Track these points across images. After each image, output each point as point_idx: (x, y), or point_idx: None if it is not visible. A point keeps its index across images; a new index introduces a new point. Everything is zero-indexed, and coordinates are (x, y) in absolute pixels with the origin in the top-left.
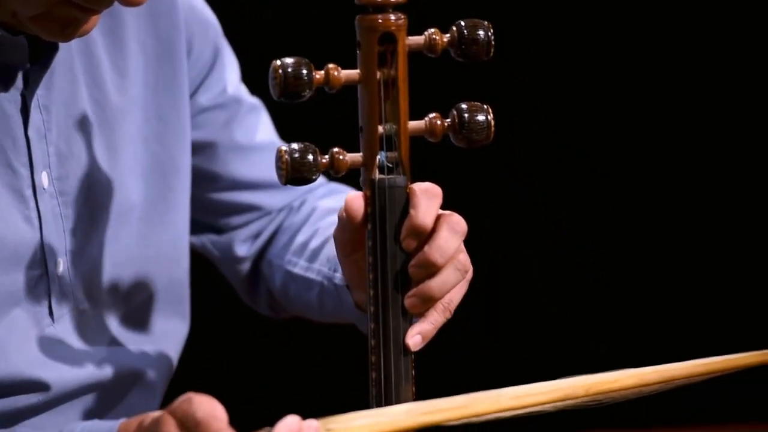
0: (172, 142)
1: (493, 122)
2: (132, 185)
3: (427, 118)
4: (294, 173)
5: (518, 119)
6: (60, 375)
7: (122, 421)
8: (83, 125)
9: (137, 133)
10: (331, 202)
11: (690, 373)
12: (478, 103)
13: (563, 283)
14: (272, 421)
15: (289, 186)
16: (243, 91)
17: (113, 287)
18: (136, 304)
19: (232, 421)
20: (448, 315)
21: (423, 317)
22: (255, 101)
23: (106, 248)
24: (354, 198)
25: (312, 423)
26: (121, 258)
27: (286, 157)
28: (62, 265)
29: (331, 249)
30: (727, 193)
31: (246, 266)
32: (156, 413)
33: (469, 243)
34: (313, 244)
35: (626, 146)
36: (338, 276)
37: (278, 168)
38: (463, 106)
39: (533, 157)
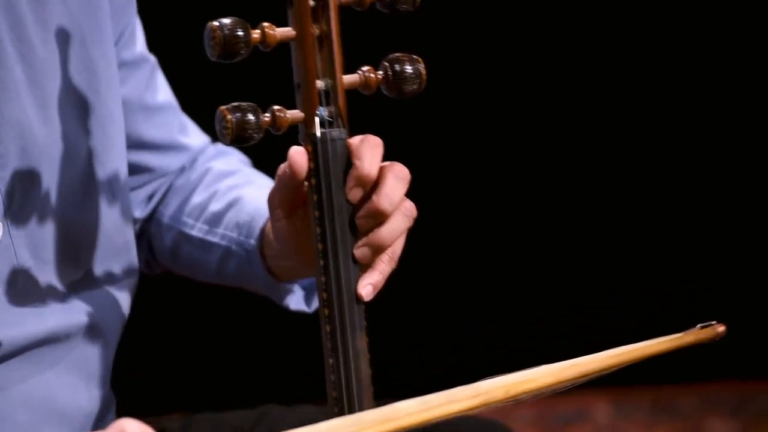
0: (105, 91)
1: (424, 72)
2: (69, 138)
3: (360, 72)
4: (239, 133)
5: (450, 69)
6: (9, 333)
7: None
8: (13, 85)
9: (69, 86)
10: (223, 164)
11: (606, 365)
12: (409, 55)
13: (500, 229)
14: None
15: (184, 146)
16: (146, 48)
17: (58, 242)
18: (82, 255)
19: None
20: (394, 265)
21: (371, 268)
22: (155, 59)
23: (47, 204)
24: (297, 153)
25: None
26: (63, 212)
27: (229, 117)
28: (1, 229)
29: (239, 214)
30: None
31: (137, 228)
32: None
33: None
34: (214, 207)
35: (556, 90)
36: (251, 243)
37: (222, 128)
38: (394, 57)
39: (466, 106)
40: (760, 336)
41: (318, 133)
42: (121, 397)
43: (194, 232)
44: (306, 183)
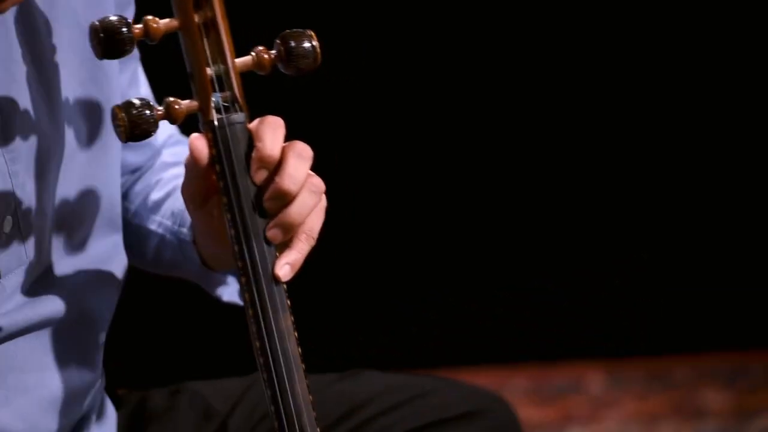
0: (105, 82)
1: (318, 47)
2: (73, 130)
3: (253, 53)
4: (133, 129)
5: (341, 43)
6: (9, 320)
7: None
8: (21, 76)
9: (73, 77)
10: (172, 152)
11: None
12: (302, 30)
13: (433, 208)
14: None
15: (152, 143)
16: None
17: (60, 234)
18: (82, 248)
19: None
20: (312, 242)
21: (289, 247)
22: (138, 53)
23: (52, 199)
24: (196, 139)
25: None
26: (66, 206)
27: (122, 114)
28: (10, 224)
29: (174, 202)
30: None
31: None
32: None
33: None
34: (155, 195)
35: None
36: (185, 231)
37: (116, 126)
38: (287, 34)
39: (366, 81)
40: (754, 307)
41: (215, 119)
42: (108, 369)
43: (134, 220)
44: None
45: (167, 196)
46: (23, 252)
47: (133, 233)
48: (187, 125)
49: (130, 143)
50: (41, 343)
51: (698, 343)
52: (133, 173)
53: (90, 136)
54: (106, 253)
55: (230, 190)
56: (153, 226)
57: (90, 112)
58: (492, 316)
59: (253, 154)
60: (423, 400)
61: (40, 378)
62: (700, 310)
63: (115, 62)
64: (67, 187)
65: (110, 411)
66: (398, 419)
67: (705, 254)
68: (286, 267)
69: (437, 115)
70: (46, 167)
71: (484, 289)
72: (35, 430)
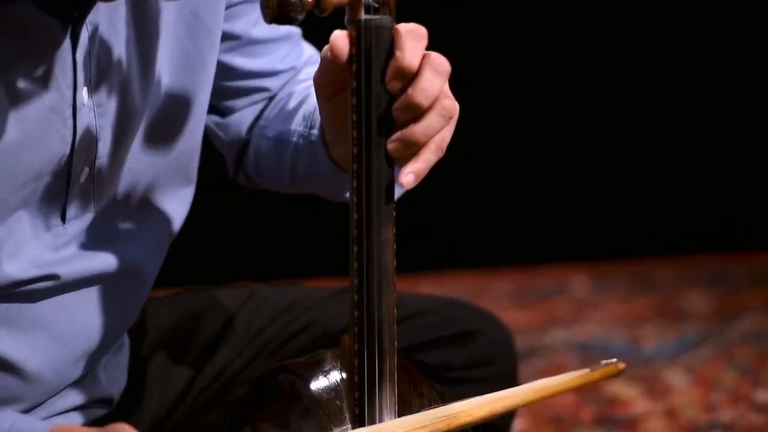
0: (203, 37)
1: None
2: (162, 84)
3: None
4: (280, 11)
5: None
6: (66, 269)
7: (55, 424)
8: (122, 31)
9: (170, 30)
10: (309, 70)
11: (530, 399)
12: None
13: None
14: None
15: (291, 68)
16: None
17: (129, 188)
18: (149, 202)
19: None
20: (440, 154)
21: (415, 157)
22: None
23: (131, 153)
24: (339, 37)
25: None
26: (142, 160)
27: None
28: (86, 174)
29: (306, 108)
30: None
31: (239, 144)
32: None
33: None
34: (289, 106)
35: None
36: (314, 133)
37: (263, 8)
38: None
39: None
40: (736, 210)
41: (363, 18)
42: None
43: (270, 133)
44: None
45: (300, 104)
46: (92, 203)
47: (271, 152)
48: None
49: (276, 72)
50: (91, 298)
51: (681, 246)
52: (273, 96)
53: (178, 90)
54: (172, 209)
55: (362, 92)
56: (287, 136)
57: (181, 66)
58: (475, 219)
59: (392, 62)
60: (422, 318)
61: (83, 331)
62: (683, 214)
63: (220, 17)
64: (146, 146)
65: (125, 341)
66: (400, 335)
67: (687, 158)
68: (410, 176)
69: None
70: (129, 126)
71: (467, 193)
72: (63, 377)
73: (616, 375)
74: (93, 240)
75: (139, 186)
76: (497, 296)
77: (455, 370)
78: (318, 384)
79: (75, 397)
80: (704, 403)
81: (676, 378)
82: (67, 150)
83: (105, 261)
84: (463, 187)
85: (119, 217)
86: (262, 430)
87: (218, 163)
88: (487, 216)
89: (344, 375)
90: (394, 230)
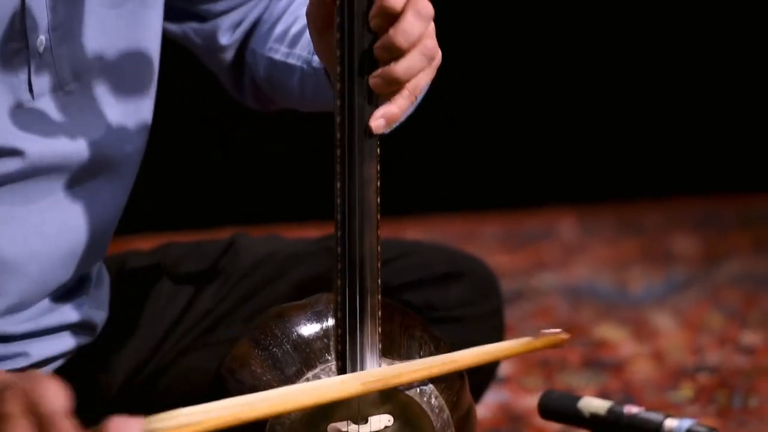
0: None
1: None
2: None
3: None
4: None
5: None
6: (37, 146)
7: None
8: None
9: None
10: None
11: (470, 363)
12: None
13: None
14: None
15: None
16: None
17: (98, 69)
18: (118, 89)
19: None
20: (413, 100)
21: (389, 101)
22: None
23: (89, 29)
24: None
25: (135, 422)
26: (103, 39)
27: None
28: (44, 43)
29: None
30: None
31: (229, 55)
32: (10, 380)
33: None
34: (294, 29)
35: None
36: (316, 59)
37: None
38: None
39: None
40: (724, 152)
41: None
42: None
43: (278, 57)
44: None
45: (305, 28)
46: (56, 77)
47: (281, 72)
48: None
49: None
50: (62, 191)
51: (669, 189)
52: (251, 1)
53: None
54: (136, 104)
55: (345, 29)
56: (293, 60)
57: None
58: (463, 162)
59: (376, 1)
60: (406, 259)
61: (61, 226)
62: (671, 156)
63: None
64: (106, 22)
65: (105, 276)
66: (384, 275)
67: (675, 100)
68: (380, 120)
69: None
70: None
71: (454, 136)
72: (45, 276)
73: (560, 345)
74: (61, 123)
75: (102, 74)
76: (485, 240)
77: (437, 310)
78: (308, 324)
79: (61, 314)
80: (691, 345)
81: (664, 320)
82: (18, 5)
83: (73, 146)
84: (450, 131)
85: (87, 104)
86: (253, 366)
87: (203, 108)
88: (475, 160)
89: (333, 315)
90: (378, 168)
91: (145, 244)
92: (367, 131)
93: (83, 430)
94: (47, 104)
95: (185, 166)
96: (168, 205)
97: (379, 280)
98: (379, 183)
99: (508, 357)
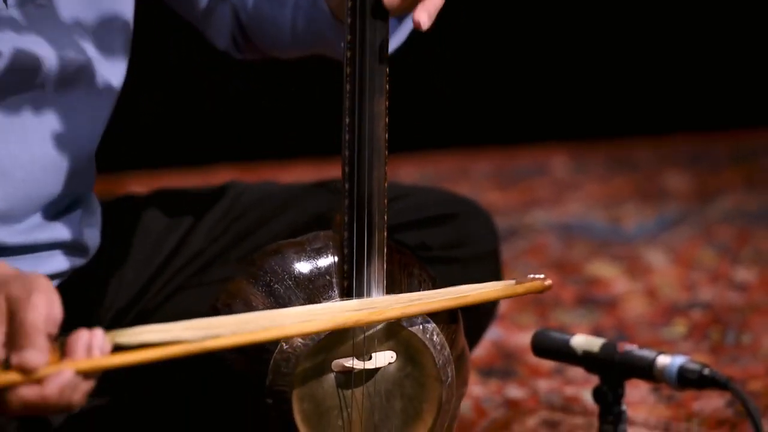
0: None
1: None
2: None
3: None
4: None
5: None
6: (9, 47)
7: None
8: None
9: None
10: None
11: (449, 305)
12: None
13: None
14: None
15: None
16: None
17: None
18: (89, 6)
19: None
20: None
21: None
22: None
23: None
24: None
25: (99, 333)
26: None
27: None
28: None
29: None
30: None
31: (203, 1)
32: (4, 278)
33: None
34: None
35: None
36: None
37: None
38: None
39: None
40: (716, 88)
41: None
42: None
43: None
44: None
45: None
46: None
47: (270, 8)
48: None
49: None
50: (41, 98)
51: (661, 125)
52: None
53: None
54: (110, 19)
55: None
56: None
57: None
58: (455, 99)
59: None
60: (401, 201)
61: (42, 135)
62: (663, 92)
63: None
64: None
65: (96, 204)
66: None
67: (667, 37)
68: (423, 14)
69: None
70: None
71: (446, 73)
72: (30, 183)
73: (541, 291)
74: (33, 31)
75: None
76: (477, 177)
77: (432, 249)
78: (309, 260)
79: (53, 231)
80: (684, 282)
81: (656, 257)
82: None
83: (45, 53)
84: (442, 68)
85: (57, 17)
86: (252, 301)
87: (201, 47)
88: (467, 96)
89: (335, 253)
90: (387, 103)
91: (139, 183)
92: (380, 62)
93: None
94: (19, 14)
95: (180, 102)
96: (163, 141)
97: (386, 217)
98: (387, 119)
99: (488, 300)
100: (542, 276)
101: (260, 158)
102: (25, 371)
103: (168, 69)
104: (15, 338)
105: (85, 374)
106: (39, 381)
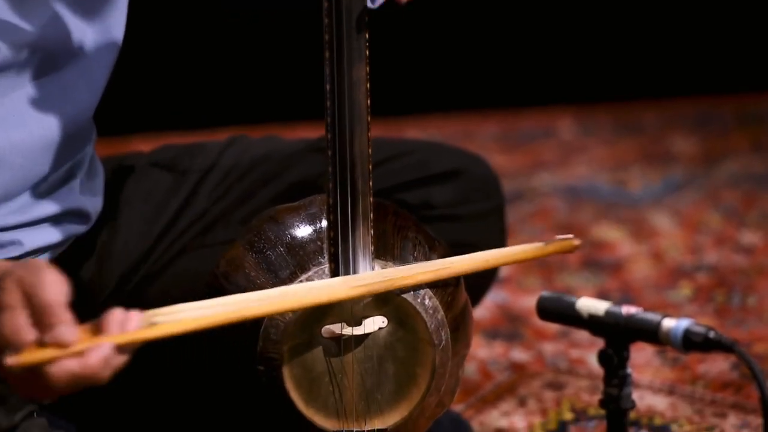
0: None
1: None
2: None
3: None
4: None
5: None
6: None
7: None
8: None
9: None
10: None
11: (474, 268)
12: None
13: None
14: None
15: None
16: None
17: None
18: None
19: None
20: None
21: None
22: None
23: None
24: None
25: (136, 314)
26: None
27: None
28: None
29: None
30: None
31: None
32: (7, 268)
33: None
34: None
35: None
36: None
37: None
38: None
39: None
40: (722, 51)
41: None
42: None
43: None
44: None
45: None
46: None
47: None
48: None
49: None
50: (31, 78)
51: (667, 88)
52: None
53: None
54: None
55: None
56: None
57: None
58: (462, 61)
59: None
60: (404, 159)
61: (37, 117)
62: (669, 55)
63: None
64: None
65: (99, 166)
66: (381, 175)
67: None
68: None
69: None
70: None
71: (451, 36)
72: (28, 167)
73: (571, 251)
74: (15, 11)
75: None
76: (483, 140)
77: (435, 208)
78: (303, 226)
79: (51, 204)
80: (690, 245)
81: (662, 220)
82: None
83: (32, 33)
84: (447, 30)
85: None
86: (246, 268)
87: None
88: (473, 59)
89: (327, 217)
90: (367, 70)
91: (143, 144)
92: (358, 30)
93: (81, 324)
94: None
95: (183, 66)
96: (166, 104)
97: (371, 183)
98: (368, 85)
99: (519, 261)
100: (570, 236)
101: (266, 120)
102: (62, 346)
103: (172, 29)
104: (41, 318)
105: (121, 348)
106: (80, 354)
